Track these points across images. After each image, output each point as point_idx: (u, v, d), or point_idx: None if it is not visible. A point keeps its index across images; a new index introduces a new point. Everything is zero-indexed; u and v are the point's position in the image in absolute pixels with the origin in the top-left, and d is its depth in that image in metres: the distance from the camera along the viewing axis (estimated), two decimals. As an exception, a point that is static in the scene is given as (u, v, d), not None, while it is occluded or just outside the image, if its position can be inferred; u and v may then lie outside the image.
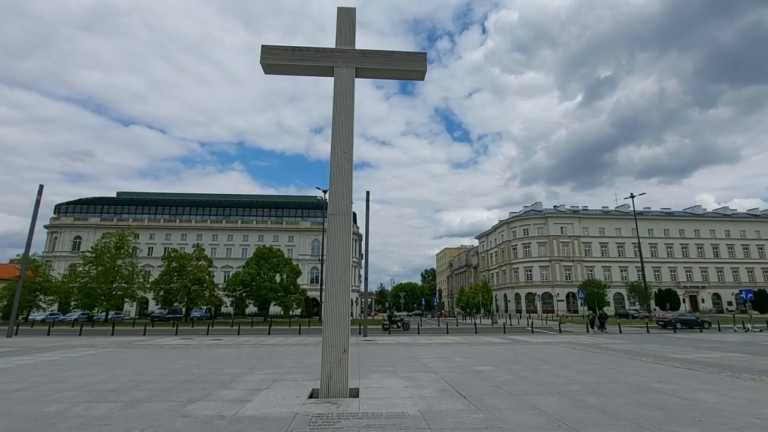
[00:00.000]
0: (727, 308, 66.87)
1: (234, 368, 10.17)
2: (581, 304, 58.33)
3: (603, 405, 6.25)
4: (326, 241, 7.49)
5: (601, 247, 70.65)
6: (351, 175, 7.81)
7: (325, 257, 7.42)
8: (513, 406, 6.26)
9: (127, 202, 74.53)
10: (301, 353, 13.92)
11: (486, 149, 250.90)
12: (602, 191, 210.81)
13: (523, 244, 72.33)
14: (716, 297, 69.71)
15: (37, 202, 22.41)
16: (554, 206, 76.28)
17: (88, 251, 41.09)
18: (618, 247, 70.90)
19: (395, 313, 48.32)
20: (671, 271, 70.28)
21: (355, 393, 7.28)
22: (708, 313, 59.65)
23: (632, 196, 48.22)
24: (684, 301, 63.72)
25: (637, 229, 51.11)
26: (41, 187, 22.79)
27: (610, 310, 61.40)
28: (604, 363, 11.21)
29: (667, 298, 59.20)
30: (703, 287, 69.74)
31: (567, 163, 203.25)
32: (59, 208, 72.26)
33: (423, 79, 8.53)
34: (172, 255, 44.20)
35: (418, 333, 25.47)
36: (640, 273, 67.79)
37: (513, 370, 9.69)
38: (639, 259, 66.03)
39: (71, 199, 73.80)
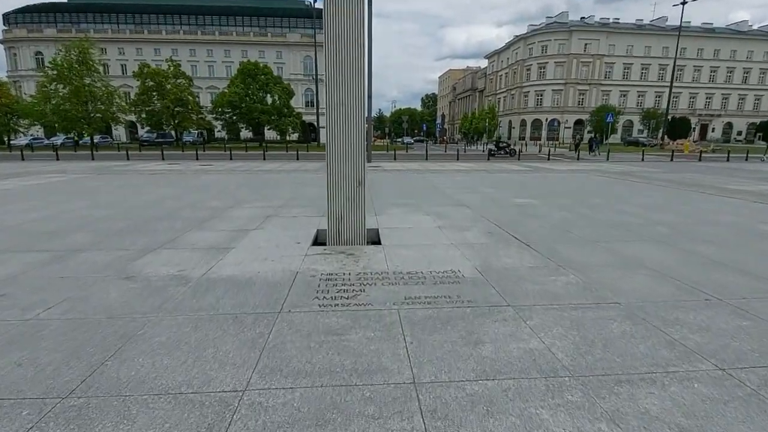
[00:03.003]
0: (735, 138, 65.18)
1: (219, 200, 8.27)
2: (588, 131, 56.17)
3: (733, 260, 4.38)
4: (327, 26, 4.42)
5: (624, 68, 63.80)
6: None
7: (325, 47, 4.46)
8: (606, 261, 4.37)
9: (83, 9, 63.14)
10: (299, 181, 12.09)
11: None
12: (627, 5, 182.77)
13: (538, 63, 64.95)
14: (728, 126, 67.05)
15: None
16: (581, 18, 65.69)
17: (48, 66, 35.95)
18: (642, 69, 64.13)
19: (501, 139, 46.69)
20: (691, 98, 65.53)
21: (374, 237, 5.35)
22: (716, 143, 58.19)
23: (683, 2, 40.19)
24: (693, 130, 61.31)
25: (678, 45, 44.26)
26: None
27: (616, 137, 59.49)
28: (664, 196, 9.42)
29: (679, 126, 56.48)
30: (718, 116, 66.25)
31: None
32: (8, 19, 61.61)
33: None
34: (144, 71, 38.84)
35: (426, 159, 23.72)
36: (658, 99, 63.44)
37: (563, 205, 7.83)
38: (662, 83, 60.82)
39: (17, 7, 62.28)
